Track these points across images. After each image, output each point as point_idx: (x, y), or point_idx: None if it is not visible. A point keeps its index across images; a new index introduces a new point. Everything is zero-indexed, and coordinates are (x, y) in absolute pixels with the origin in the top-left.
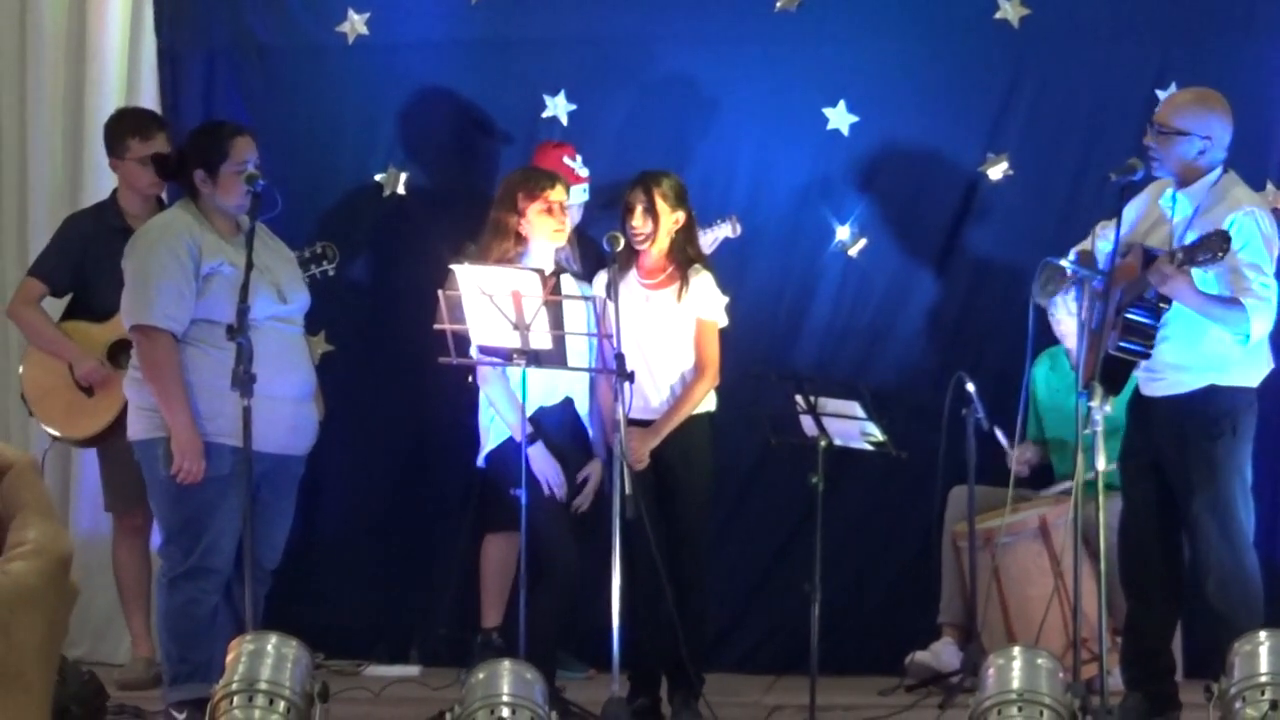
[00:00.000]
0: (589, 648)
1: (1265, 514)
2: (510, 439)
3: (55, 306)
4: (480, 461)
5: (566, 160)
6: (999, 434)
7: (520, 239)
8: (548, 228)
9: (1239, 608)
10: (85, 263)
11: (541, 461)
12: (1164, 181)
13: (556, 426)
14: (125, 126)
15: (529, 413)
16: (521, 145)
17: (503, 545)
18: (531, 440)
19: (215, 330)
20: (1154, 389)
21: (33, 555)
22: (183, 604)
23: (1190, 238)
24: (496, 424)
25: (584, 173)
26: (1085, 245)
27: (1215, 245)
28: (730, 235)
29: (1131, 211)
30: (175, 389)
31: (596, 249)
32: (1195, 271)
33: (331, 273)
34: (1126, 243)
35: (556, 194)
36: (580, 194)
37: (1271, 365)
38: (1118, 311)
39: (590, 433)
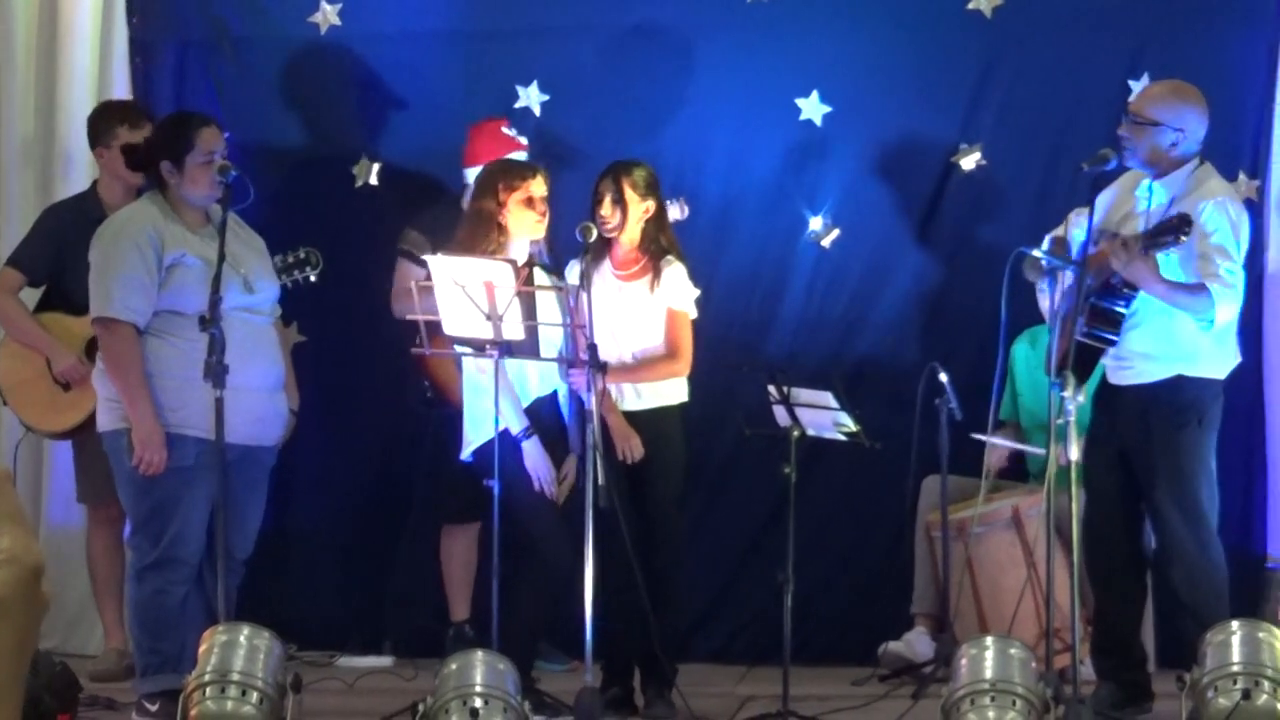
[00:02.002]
0: (565, 639)
1: (1237, 505)
2: (497, 434)
3: (30, 297)
4: (466, 456)
5: (505, 130)
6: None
7: (503, 230)
8: (528, 220)
9: (1205, 598)
10: (64, 253)
11: (536, 457)
12: (1137, 172)
13: (548, 419)
14: (113, 115)
15: (527, 404)
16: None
17: (462, 537)
18: (529, 434)
19: (179, 321)
20: (1121, 378)
21: (4, 565)
22: (151, 595)
23: None
24: (482, 418)
25: (523, 140)
26: (1059, 232)
27: (1176, 228)
28: (678, 217)
29: (1103, 200)
30: (136, 380)
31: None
32: (1161, 257)
33: (314, 278)
34: (1099, 230)
35: (537, 186)
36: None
37: (1239, 358)
38: (1087, 298)
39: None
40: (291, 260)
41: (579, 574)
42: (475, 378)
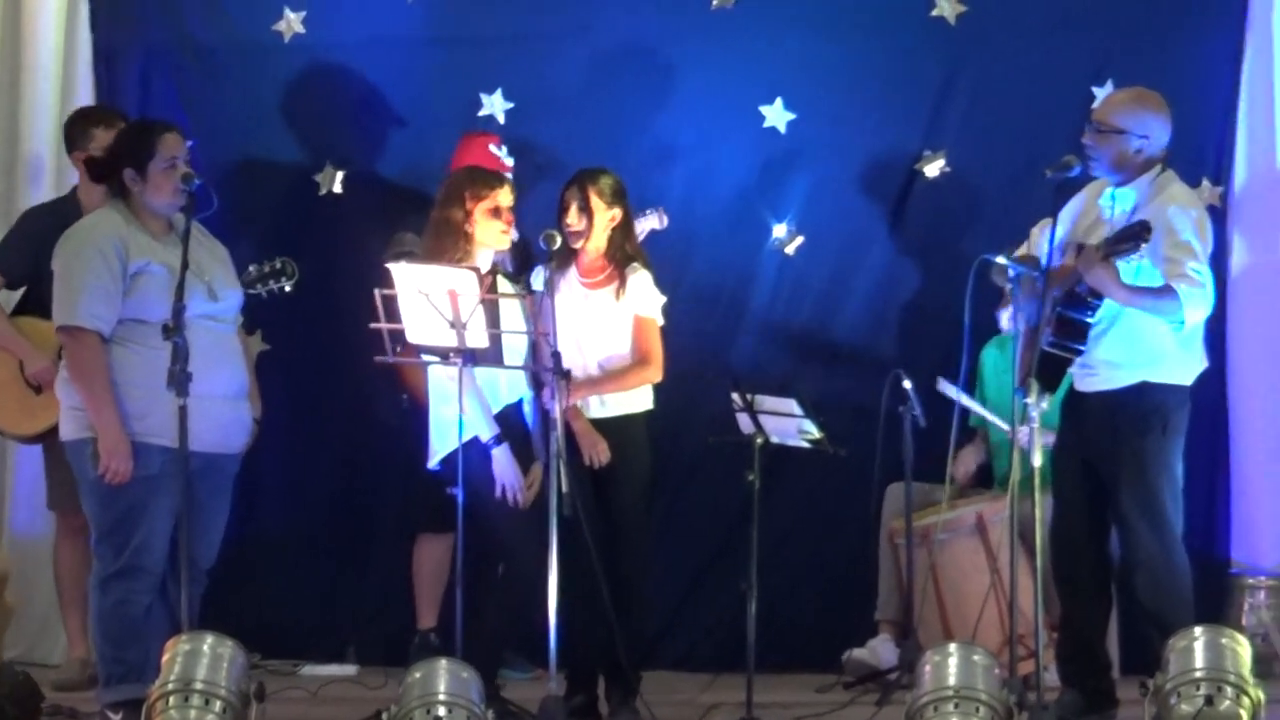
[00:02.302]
0: (529, 647)
1: (1201, 511)
2: (464, 442)
3: (11, 301)
4: (434, 465)
5: (493, 149)
6: (945, 386)
7: (469, 239)
8: (493, 230)
9: (1168, 604)
10: (42, 257)
11: (505, 465)
12: (1102, 181)
13: (515, 426)
14: (88, 118)
15: (497, 411)
16: (458, 143)
17: (437, 546)
18: (499, 440)
19: (144, 329)
20: (1087, 384)
21: None
22: (115, 604)
23: None
24: (447, 427)
25: (509, 162)
26: (1023, 250)
27: (1136, 235)
28: (657, 227)
29: (1070, 210)
30: (101, 389)
31: (526, 246)
32: (1124, 264)
33: (289, 289)
34: (1065, 242)
35: (504, 196)
36: None
37: (1205, 364)
38: (1053, 308)
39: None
40: (267, 270)
41: (544, 582)
42: (442, 385)
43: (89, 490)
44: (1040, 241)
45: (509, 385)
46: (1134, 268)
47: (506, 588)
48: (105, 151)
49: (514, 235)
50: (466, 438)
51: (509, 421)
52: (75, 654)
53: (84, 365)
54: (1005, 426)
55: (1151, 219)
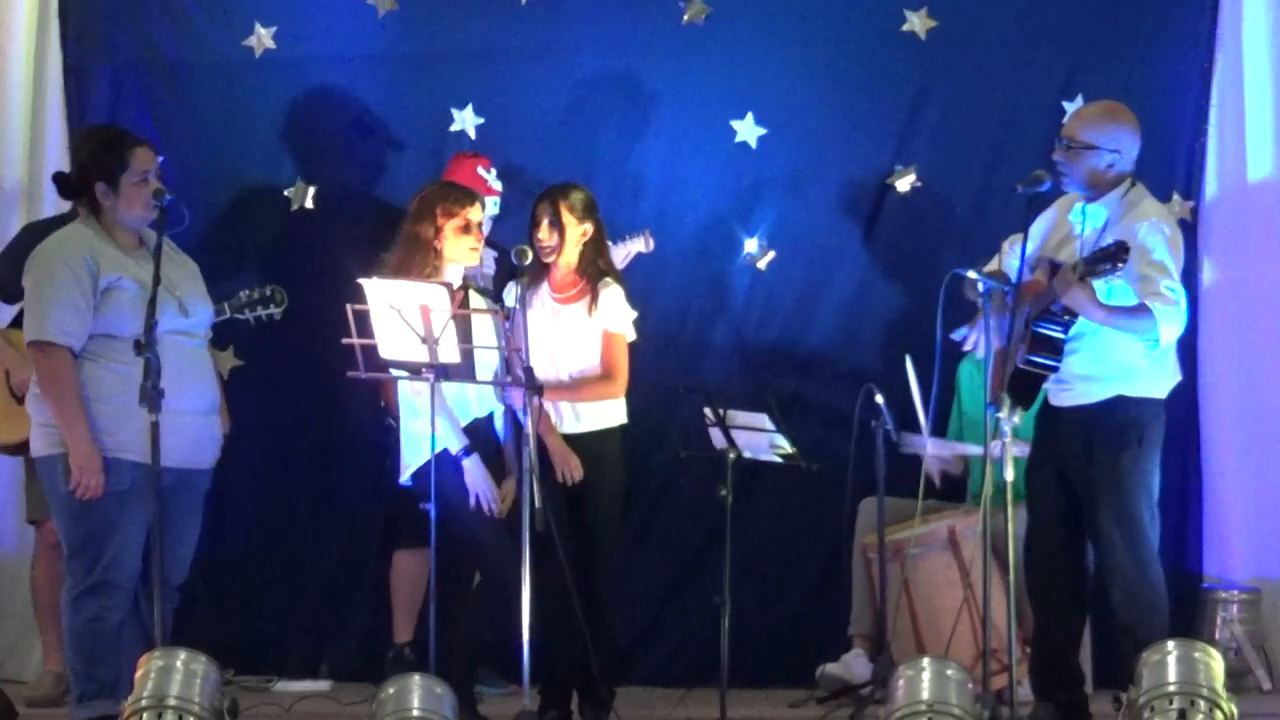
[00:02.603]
0: (503, 662)
1: (1173, 525)
2: (435, 455)
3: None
4: (405, 480)
5: (481, 171)
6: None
7: (438, 254)
8: (463, 247)
9: (1144, 618)
10: None
11: (477, 474)
12: (1072, 196)
13: (485, 441)
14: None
15: (466, 423)
16: (430, 159)
17: (414, 561)
18: (469, 451)
19: (114, 345)
20: (1062, 399)
21: None
22: (88, 620)
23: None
24: (419, 440)
25: (497, 185)
26: (994, 265)
27: (1114, 255)
28: (644, 250)
29: (1040, 226)
30: (72, 404)
31: (505, 261)
32: (1099, 283)
33: (278, 317)
34: (1035, 258)
35: (475, 213)
36: (492, 207)
37: (1179, 377)
38: (1026, 325)
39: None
40: (256, 296)
41: (518, 597)
42: (411, 399)
43: (60, 506)
44: (1009, 257)
45: (479, 398)
46: (1107, 286)
47: (483, 598)
48: (76, 166)
49: (484, 252)
50: (422, 461)
51: (479, 434)
52: (50, 668)
53: (54, 380)
54: (976, 450)
55: (1124, 236)
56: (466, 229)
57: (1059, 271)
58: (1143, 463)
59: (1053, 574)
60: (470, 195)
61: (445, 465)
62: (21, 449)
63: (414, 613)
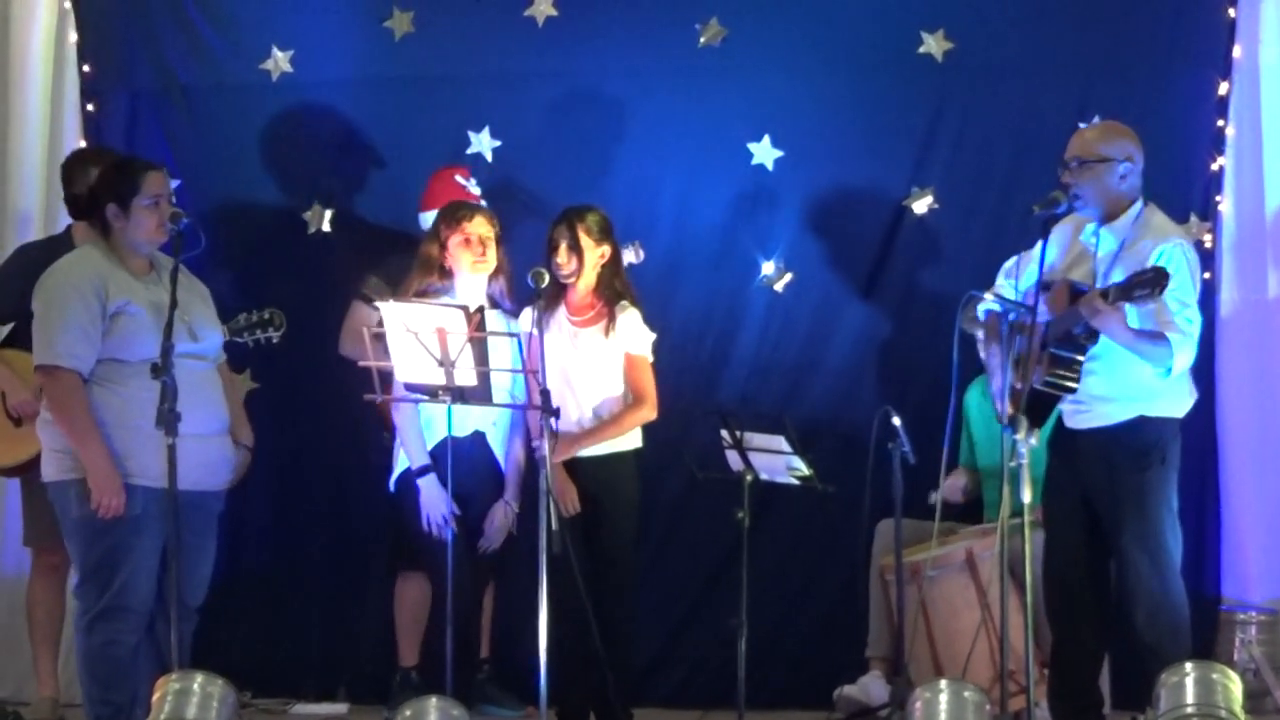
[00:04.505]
0: (521, 684)
1: (1191, 547)
2: (412, 471)
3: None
4: (390, 486)
5: (459, 179)
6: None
7: (445, 272)
8: (467, 260)
9: (1167, 638)
10: (31, 293)
11: (430, 494)
12: (1083, 217)
13: (464, 459)
14: (87, 158)
15: (435, 443)
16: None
17: (416, 583)
18: (424, 472)
19: (122, 369)
20: (1080, 421)
21: None
22: (101, 645)
23: (1117, 273)
24: (399, 452)
25: (476, 192)
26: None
27: (1153, 282)
28: (634, 260)
29: (1054, 248)
30: (86, 426)
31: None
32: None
33: (276, 340)
34: (1050, 277)
35: (475, 226)
36: None
37: (1195, 396)
38: (1043, 346)
39: (504, 470)
40: (255, 320)
41: (519, 619)
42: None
43: (72, 531)
44: (1010, 280)
45: (454, 418)
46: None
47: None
48: (88, 188)
49: (492, 261)
50: (401, 470)
51: (456, 453)
52: (45, 693)
53: (64, 404)
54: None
55: (1143, 255)
56: (467, 243)
57: (1087, 295)
58: (1165, 483)
59: (1075, 600)
60: (470, 209)
61: (411, 483)
62: (18, 471)
63: (417, 635)
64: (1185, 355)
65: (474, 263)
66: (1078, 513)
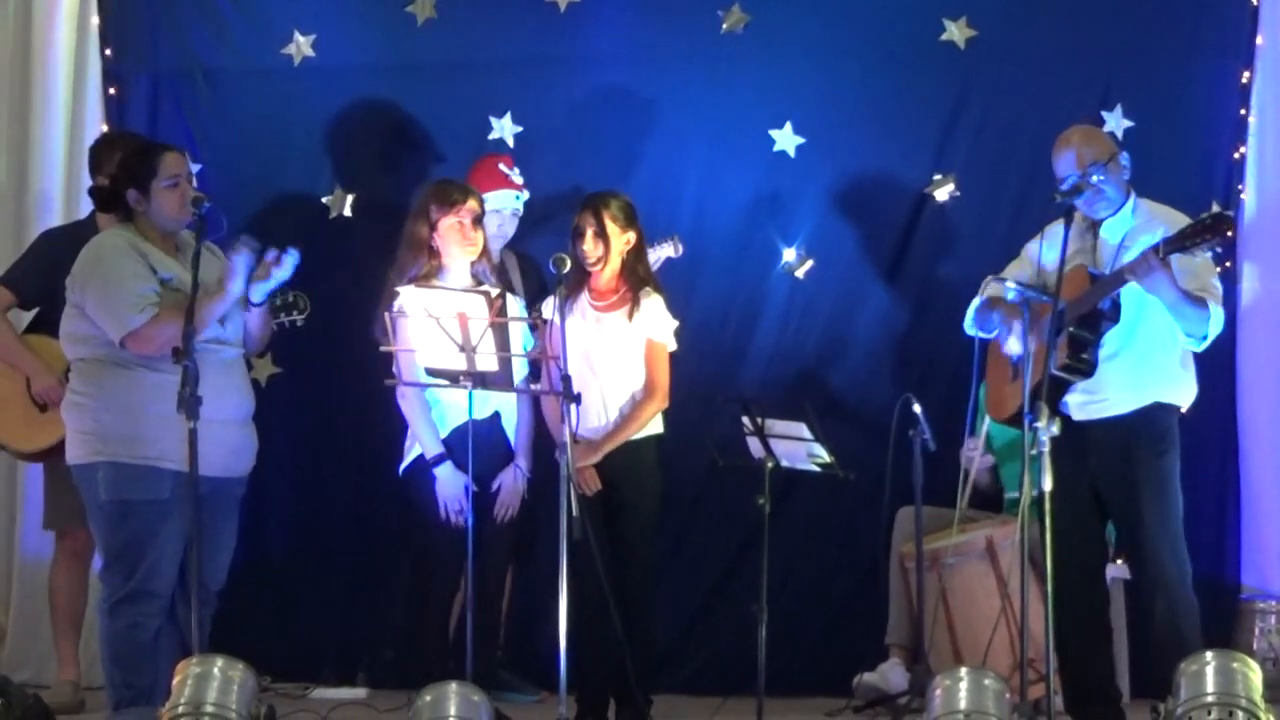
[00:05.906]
0: (538, 670)
1: (1211, 536)
2: (423, 455)
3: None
4: (400, 471)
5: (502, 168)
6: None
7: (434, 253)
8: (459, 241)
9: (1188, 624)
10: (56, 278)
11: (447, 482)
12: (1089, 217)
13: (484, 442)
14: (114, 143)
15: (457, 425)
16: (468, 167)
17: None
18: (439, 460)
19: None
20: (1091, 413)
21: None
22: (125, 628)
23: (1128, 256)
24: (411, 438)
25: (519, 180)
26: (1014, 267)
27: (1213, 228)
28: (673, 255)
29: (1054, 249)
30: (186, 312)
31: (538, 270)
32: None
33: (300, 323)
34: (1057, 268)
35: (470, 206)
36: (513, 201)
37: (1196, 390)
38: (1058, 331)
39: (512, 444)
40: (279, 303)
41: (539, 604)
42: (400, 402)
43: (98, 514)
44: (1038, 256)
45: (476, 401)
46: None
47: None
48: (108, 178)
49: (480, 244)
50: (412, 457)
51: (480, 437)
52: (66, 676)
53: (164, 333)
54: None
55: (1153, 237)
56: (460, 225)
57: (1140, 257)
58: (1177, 470)
59: (1079, 591)
60: (464, 189)
61: (424, 470)
62: (42, 456)
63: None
64: (1218, 323)
65: (466, 245)
66: (1087, 506)
